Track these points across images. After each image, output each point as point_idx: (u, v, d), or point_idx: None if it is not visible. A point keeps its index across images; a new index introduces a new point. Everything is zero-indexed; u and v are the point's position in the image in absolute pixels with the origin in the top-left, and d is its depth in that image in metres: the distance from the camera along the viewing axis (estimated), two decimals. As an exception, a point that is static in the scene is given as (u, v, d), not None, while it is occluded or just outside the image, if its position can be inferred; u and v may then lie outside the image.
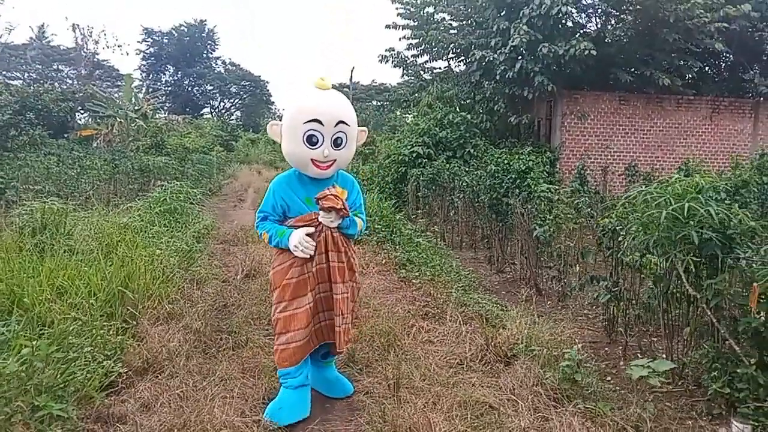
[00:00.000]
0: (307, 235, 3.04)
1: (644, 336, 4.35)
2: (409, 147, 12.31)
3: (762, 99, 13.94)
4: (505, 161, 6.87)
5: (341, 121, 3.00)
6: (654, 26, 12.11)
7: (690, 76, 13.51)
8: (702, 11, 11.72)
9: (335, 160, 3.07)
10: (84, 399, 2.97)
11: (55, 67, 45.02)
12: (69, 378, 2.86)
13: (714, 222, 3.09)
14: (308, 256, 2.98)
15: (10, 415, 2.38)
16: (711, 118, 13.64)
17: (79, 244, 5.36)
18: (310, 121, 2.93)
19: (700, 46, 12.86)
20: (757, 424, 2.86)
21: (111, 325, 3.81)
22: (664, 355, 4.15)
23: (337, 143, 3.03)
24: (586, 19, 14.58)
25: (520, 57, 12.42)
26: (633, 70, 13.56)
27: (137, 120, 21.21)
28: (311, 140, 2.96)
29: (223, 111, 52.48)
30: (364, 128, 3.26)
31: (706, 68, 14.83)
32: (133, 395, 3.24)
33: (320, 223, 3.07)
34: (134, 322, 4.14)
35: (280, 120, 3.17)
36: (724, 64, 15.38)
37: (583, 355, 3.47)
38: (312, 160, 3.01)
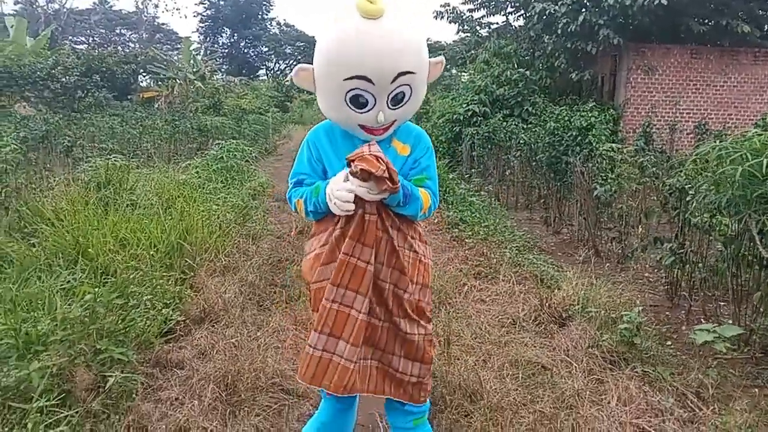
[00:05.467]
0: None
1: (709, 300, 4.13)
2: (464, 105, 12.02)
3: None
4: (565, 118, 6.58)
5: (403, 73, 1.90)
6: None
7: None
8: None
9: (394, 121, 2.06)
10: (143, 344, 3.08)
11: (117, 31, 46.51)
12: (130, 324, 2.96)
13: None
14: (350, 211, 1.95)
15: (74, 357, 2.48)
16: (792, 73, 12.62)
17: (141, 198, 5.54)
18: (352, 78, 1.87)
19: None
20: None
21: (170, 276, 3.94)
22: (729, 321, 3.95)
23: (397, 100, 1.98)
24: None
25: (583, 9, 11.80)
26: (706, 20, 12.64)
27: (196, 81, 21.64)
28: (358, 101, 1.94)
29: (278, 72, 52.79)
30: (440, 58, 2.10)
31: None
32: (190, 342, 3.34)
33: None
34: (192, 274, 4.27)
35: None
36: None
37: (642, 318, 3.32)
38: (361, 126, 2.03)
